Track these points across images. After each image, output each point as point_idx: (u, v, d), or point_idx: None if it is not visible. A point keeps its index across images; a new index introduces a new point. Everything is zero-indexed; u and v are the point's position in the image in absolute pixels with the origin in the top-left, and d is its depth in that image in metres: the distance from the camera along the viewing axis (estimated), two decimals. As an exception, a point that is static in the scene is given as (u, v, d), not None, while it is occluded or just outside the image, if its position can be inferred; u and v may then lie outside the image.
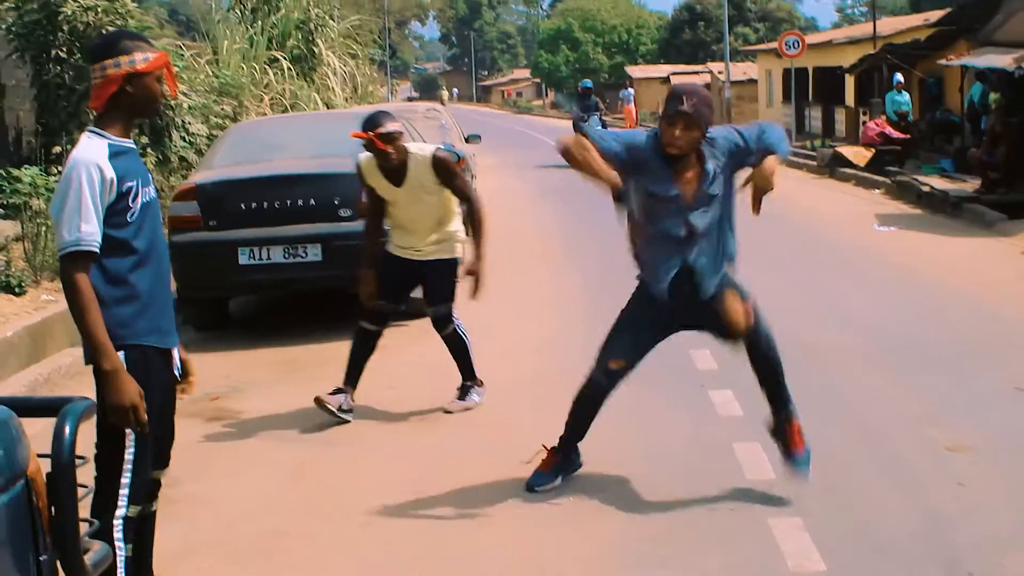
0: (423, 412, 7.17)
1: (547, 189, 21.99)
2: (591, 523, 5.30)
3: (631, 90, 45.31)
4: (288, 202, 8.98)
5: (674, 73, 59.89)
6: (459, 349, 7.27)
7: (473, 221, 6.95)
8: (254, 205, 9.18)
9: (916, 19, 32.16)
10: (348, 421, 6.94)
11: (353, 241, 8.01)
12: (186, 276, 9.29)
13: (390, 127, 6.76)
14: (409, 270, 7.09)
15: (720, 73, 44.54)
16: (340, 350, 8.48)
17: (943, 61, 20.95)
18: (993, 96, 19.20)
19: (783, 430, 5.57)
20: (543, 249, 14.32)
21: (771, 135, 5.33)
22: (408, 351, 8.46)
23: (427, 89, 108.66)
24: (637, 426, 5.97)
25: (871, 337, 8.70)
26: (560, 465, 5.77)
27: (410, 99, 58.17)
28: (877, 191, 19.85)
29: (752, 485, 5.60)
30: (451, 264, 7.16)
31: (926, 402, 6.87)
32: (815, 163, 24.88)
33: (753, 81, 45.18)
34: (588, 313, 9.47)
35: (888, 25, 32.57)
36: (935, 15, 28.69)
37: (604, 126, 23.75)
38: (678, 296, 5.43)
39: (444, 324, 7.19)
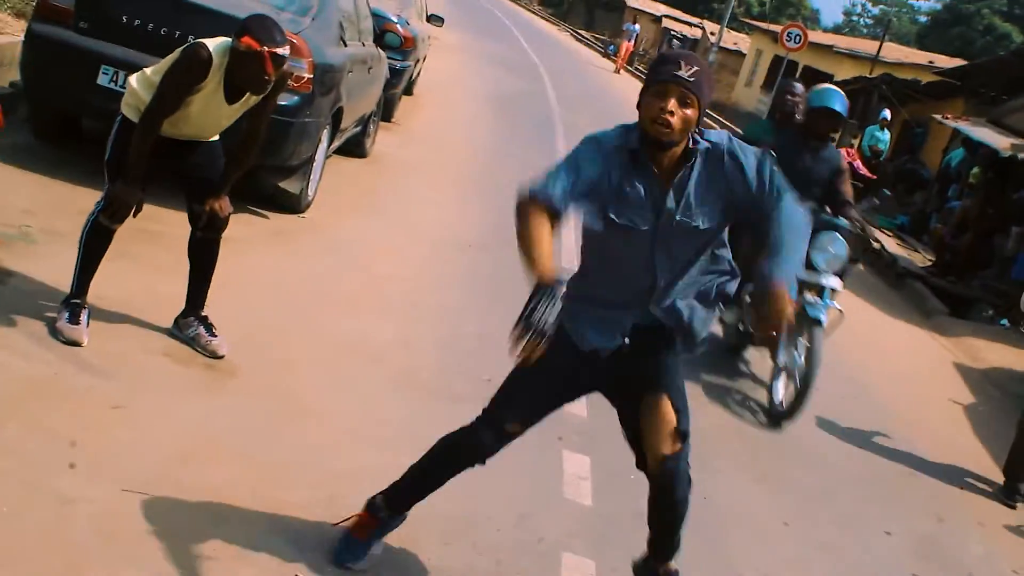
0: (219, 360, 5.52)
1: (498, 99, 20.16)
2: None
3: (637, 27, 43.77)
4: (177, 33, 7.27)
5: (667, 16, 58.39)
6: (212, 263, 5.77)
7: (249, 149, 5.59)
8: (137, 22, 7.49)
9: (921, 56, 30.91)
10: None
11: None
12: (35, 76, 7.72)
13: (286, 50, 5.21)
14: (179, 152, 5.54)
15: (712, 34, 42.96)
16: (176, 223, 6.72)
17: (939, 117, 19.61)
18: (975, 171, 18.00)
19: None
20: (457, 173, 12.55)
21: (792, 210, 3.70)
22: (260, 261, 6.98)
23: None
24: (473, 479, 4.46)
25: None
26: (381, 531, 4.16)
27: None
28: (824, 224, 18.49)
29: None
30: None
31: (822, 566, 5.55)
32: (772, 166, 23.56)
33: (741, 54, 43.83)
34: (472, 274, 7.91)
35: (893, 52, 31.22)
36: (940, 59, 27.57)
37: None
38: (621, 357, 3.85)
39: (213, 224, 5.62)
